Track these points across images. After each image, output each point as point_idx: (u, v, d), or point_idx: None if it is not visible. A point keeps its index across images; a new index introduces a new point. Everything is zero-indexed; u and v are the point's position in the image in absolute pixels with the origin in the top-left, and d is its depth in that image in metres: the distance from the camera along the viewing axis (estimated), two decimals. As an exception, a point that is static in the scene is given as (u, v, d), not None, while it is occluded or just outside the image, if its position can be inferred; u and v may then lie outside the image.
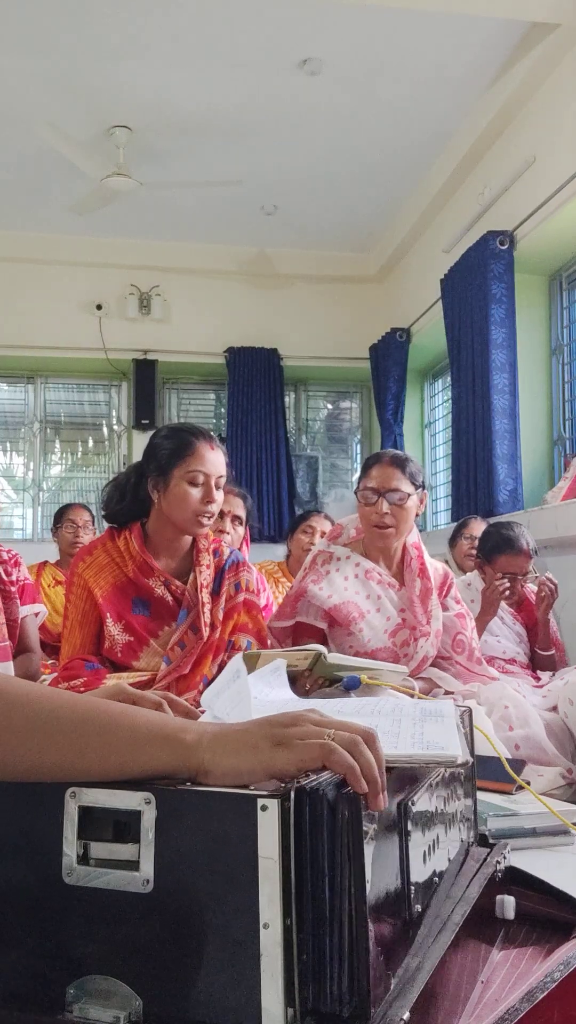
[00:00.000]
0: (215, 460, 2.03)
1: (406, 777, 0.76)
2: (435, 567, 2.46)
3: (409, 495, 2.33)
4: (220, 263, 6.31)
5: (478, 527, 3.92)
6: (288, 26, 3.88)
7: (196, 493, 2.01)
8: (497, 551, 3.20)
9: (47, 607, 3.89)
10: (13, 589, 2.48)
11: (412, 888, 0.71)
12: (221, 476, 2.05)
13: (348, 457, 7.01)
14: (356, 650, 2.28)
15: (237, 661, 0.85)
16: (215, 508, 2.04)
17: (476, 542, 3.76)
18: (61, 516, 4.42)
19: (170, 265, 6.26)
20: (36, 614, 2.62)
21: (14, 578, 2.49)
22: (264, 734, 0.67)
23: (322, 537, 3.82)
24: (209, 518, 2.04)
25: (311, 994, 0.59)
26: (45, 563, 4.35)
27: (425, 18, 3.83)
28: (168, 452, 2.03)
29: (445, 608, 2.43)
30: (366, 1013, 0.59)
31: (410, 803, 0.72)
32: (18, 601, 2.49)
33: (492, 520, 3.88)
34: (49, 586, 4.16)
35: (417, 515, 2.41)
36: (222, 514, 3.00)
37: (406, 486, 2.32)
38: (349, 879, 0.60)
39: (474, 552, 3.72)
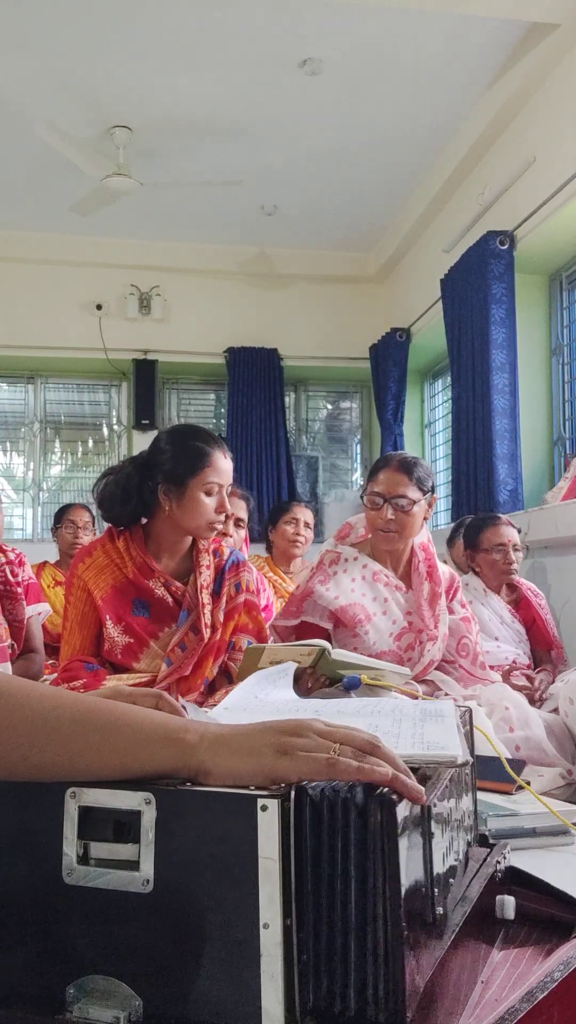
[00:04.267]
0: (228, 469, 2.04)
1: (423, 778, 0.76)
2: (442, 570, 2.45)
3: (415, 501, 2.30)
4: (220, 263, 6.31)
5: None
6: (288, 26, 3.88)
7: (211, 503, 2.01)
8: (479, 530, 3.31)
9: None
10: (19, 590, 2.48)
11: (436, 890, 0.71)
12: (231, 484, 2.06)
13: (348, 457, 7.01)
14: (361, 652, 2.27)
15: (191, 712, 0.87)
16: (224, 517, 2.06)
17: None
18: (61, 516, 4.42)
19: (170, 265, 6.26)
20: (39, 613, 2.62)
21: (20, 579, 2.49)
22: (268, 741, 0.67)
23: (306, 527, 3.84)
24: (220, 525, 2.05)
25: (325, 995, 0.59)
26: (45, 563, 4.35)
27: (425, 18, 3.82)
28: (184, 462, 2.01)
29: (451, 612, 2.43)
30: (402, 1017, 0.59)
31: (432, 804, 0.72)
32: (24, 602, 2.49)
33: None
34: (49, 586, 4.16)
35: (425, 519, 2.40)
36: (225, 516, 3.00)
37: (413, 492, 2.30)
38: (384, 883, 0.60)
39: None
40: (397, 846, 0.60)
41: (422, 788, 0.65)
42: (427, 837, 0.70)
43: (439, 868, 0.73)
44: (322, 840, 0.61)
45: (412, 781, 0.65)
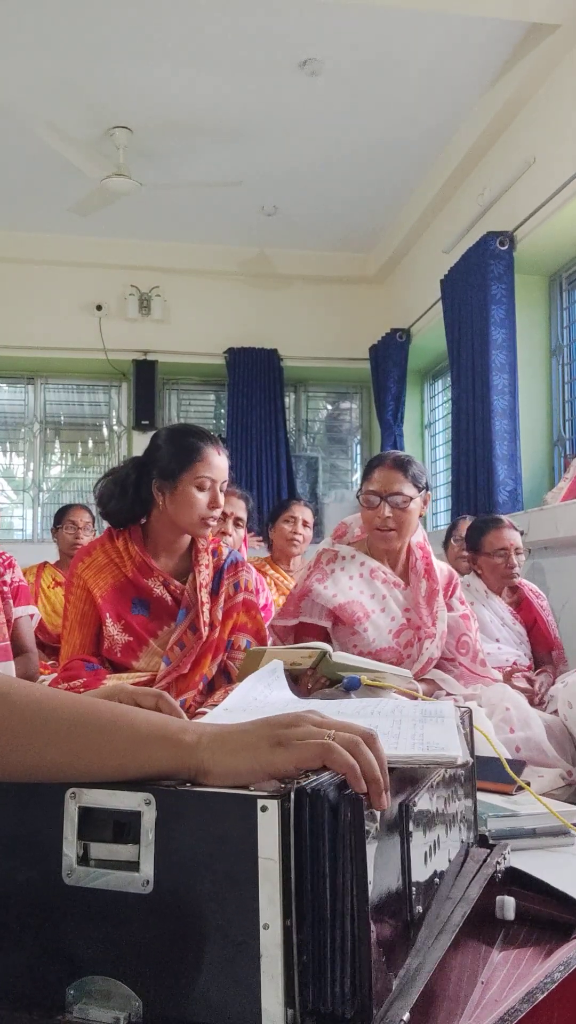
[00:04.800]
0: (221, 465, 2.05)
1: (407, 778, 0.76)
2: (440, 568, 2.45)
3: (411, 498, 2.31)
4: (220, 263, 6.31)
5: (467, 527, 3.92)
6: (288, 26, 3.88)
7: (203, 498, 2.01)
8: (481, 533, 3.30)
9: (47, 608, 3.91)
10: (6, 589, 2.50)
11: (413, 889, 0.71)
12: (225, 481, 2.06)
13: (348, 458, 7.01)
14: (360, 650, 2.28)
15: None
16: (219, 513, 2.06)
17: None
18: (62, 517, 4.41)
19: (170, 265, 6.26)
20: (31, 616, 2.64)
21: (7, 579, 2.51)
22: (263, 734, 0.67)
23: (304, 526, 3.84)
24: (214, 522, 2.05)
25: (311, 994, 0.59)
26: (45, 564, 4.33)
27: (425, 18, 3.83)
28: (176, 457, 2.02)
29: (450, 609, 2.43)
30: (368, 1013, 0.59)
31: (411, 804, 0.72)
32: (11, 602, 2.51)
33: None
34: (49, 587, 4.15)
35: (421, 516, 2.40)
36: (224, 515, 3.01)
37: (408, 489, 2.31)
38: (351, 880, 0.60)
39: (465, 554, 3.76)
40: (364, 843, 0.60)
41: (385, 800, 0.65)
42: (405, 837, 0.70)
43: (419, 868, 0.73)
44: (305, 838, 0.61)
45: (384, 790, 0.65)
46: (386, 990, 0.62)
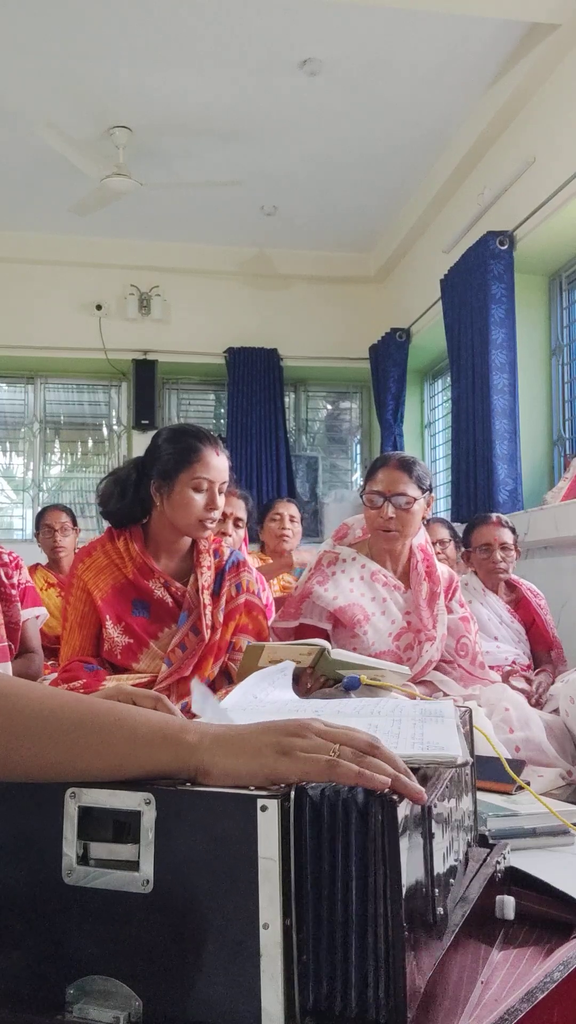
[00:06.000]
0: (220, 466, 2.03)
1: (423, 778, 0.76)
2: (441, 569, 2.45)
3: (415, 500, 2.31)
4: (220, 263, 6.31)
5: (435, 531, 3.91)
6: (288, 26, 3.88)
7: (200, 499, 2.00)
8: (471, 529, 3.36)
9: (44, 609, 3.89)
10: (14, 592, 2.48)
11: (436, 890, 0.71)
12: (224, 482, 2.05)
13: (348, 457, 7.01)
14: (359, 653, 2.27)
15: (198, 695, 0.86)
16: (218, 515, 2.05)
17: (436, 547, 3.80)
18: (39, 521, 4.38)
19: (170, 265, 6.25)
20: (37, 616, 2.63)
21: (15, 580, 2.50)
22: (268, 741, 0.67)
23: (292, 521, 3.88)
24: (212, 523, 2.04)
25: (326, 996, 0.59)
26: (37, 566, 4.31)
27: (425, 18, 3.82)
28: (174, 457, 2.01)
29: (450, 611, 2.42)
30: (403, 1018, 0.59)
31: (433, 804, 0.72)
32: (19, 604, 2.50)
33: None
34: (42, 589, 4.12)
35: (424, 518, 2.40)
36: (224, 516, 3.01)
37: (412, 490, 2.31)
38: (384, 883, 0.60)
39: (443, 558, 3.78)
40: (398, 847, 0.60)
41: (422, 788, 0.65)
42: (428, 837, 0.70)
43: (440, 868, 0.73)
44: (322, 840, 0.61)
45: (413, 782, 0.65)
46: (416, 994, 0.62)
